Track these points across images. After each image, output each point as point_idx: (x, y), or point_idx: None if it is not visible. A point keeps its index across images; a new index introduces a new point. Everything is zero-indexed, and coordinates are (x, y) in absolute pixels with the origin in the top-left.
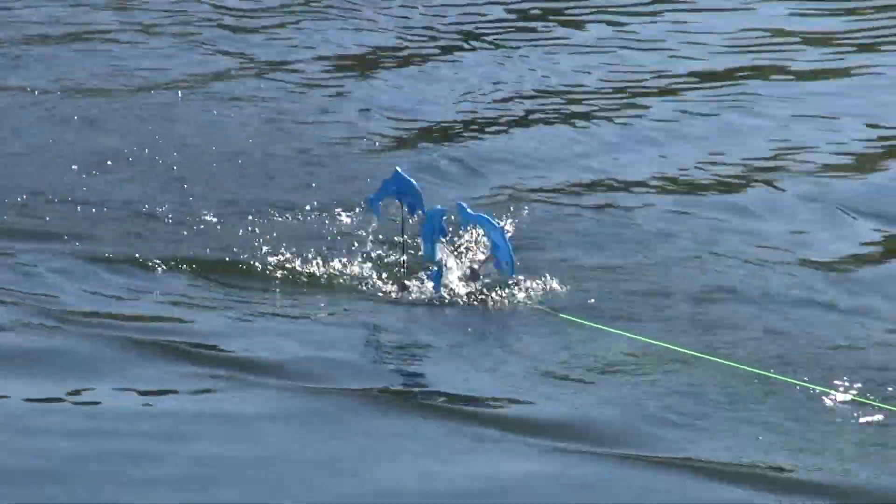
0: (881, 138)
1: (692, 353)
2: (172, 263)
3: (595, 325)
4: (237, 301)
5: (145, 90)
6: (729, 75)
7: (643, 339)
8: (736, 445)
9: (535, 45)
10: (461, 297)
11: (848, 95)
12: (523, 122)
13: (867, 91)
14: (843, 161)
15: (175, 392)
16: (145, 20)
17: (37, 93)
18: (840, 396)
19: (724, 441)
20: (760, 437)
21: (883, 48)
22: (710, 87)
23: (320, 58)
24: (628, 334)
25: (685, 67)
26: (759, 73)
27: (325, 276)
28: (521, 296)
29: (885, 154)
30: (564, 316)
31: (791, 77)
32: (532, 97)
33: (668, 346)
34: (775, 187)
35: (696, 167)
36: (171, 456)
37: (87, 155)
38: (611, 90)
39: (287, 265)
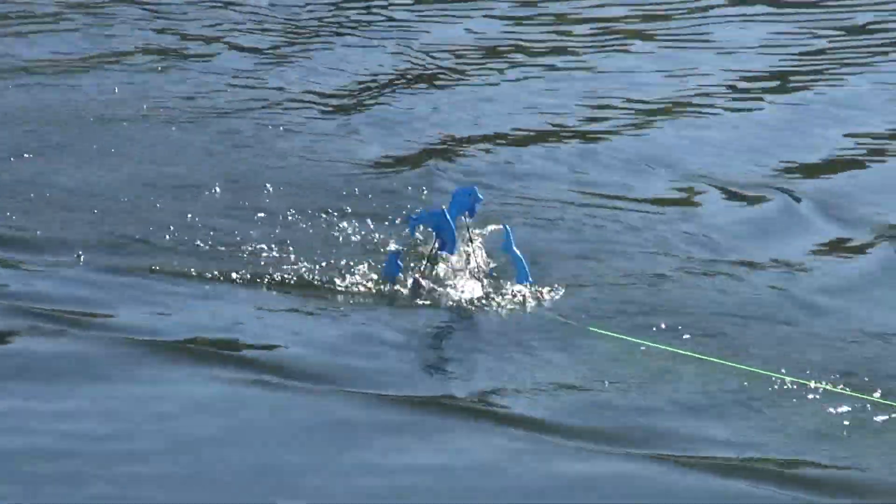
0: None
1: (690, 354)
2: (193, 271)
3: (602, 332)
4: (249, 303)
5: (153, 103)
6: (699, 91)
7: (650, 343)
8: (742, 442)
9: (531, 68)
10: (472, 301)
11: (807, 105)
12: (511, 137)
13: (825, 103)
14: (805, 165)
15: (181, 392)
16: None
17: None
18: (834, 391)
19: (730, 438)
20: (764, 434)
21: (833, 65)
22: (683, 105)
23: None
24: (632, 339)
25: (665, 89)
26: (722, 89)
27: (338, 279)
28: (531, 302)
29: (847, 159)
30: (573, 322)
31: (747, 89)
32: (523, 114)
33: (667, 348)
34: (792, 195)
35: (696, 177)
36: (171, 453)
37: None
38: (594, 111)
39: (300, 269)
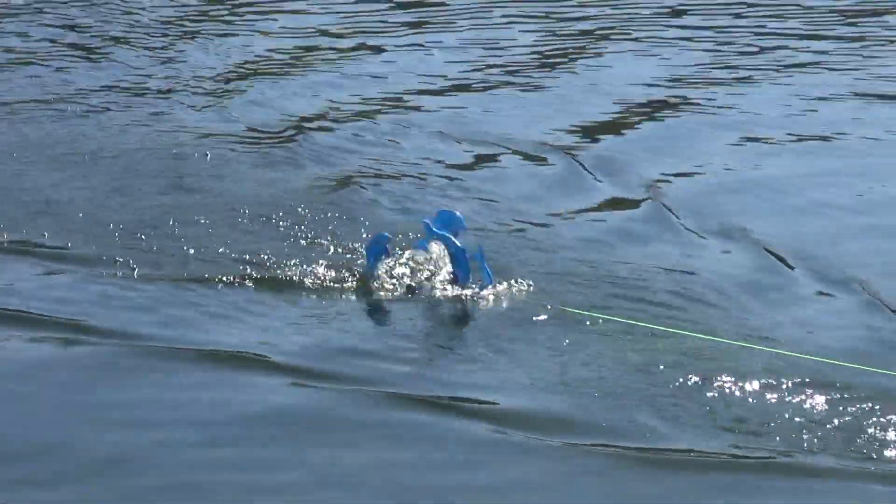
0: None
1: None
2: (198, 276)
3: (593, 315)
4: (241, 303)
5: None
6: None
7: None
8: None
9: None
10: (453, 298)
11: None
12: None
13: None
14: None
15: (166, 390)
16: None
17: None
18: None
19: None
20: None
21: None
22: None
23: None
24: (619, 319)
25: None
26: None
27: (328, 279)
28: (506, 296)
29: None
30: (568, 308)
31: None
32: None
33: (655, 327)
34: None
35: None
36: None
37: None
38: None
39: (290, 270)
